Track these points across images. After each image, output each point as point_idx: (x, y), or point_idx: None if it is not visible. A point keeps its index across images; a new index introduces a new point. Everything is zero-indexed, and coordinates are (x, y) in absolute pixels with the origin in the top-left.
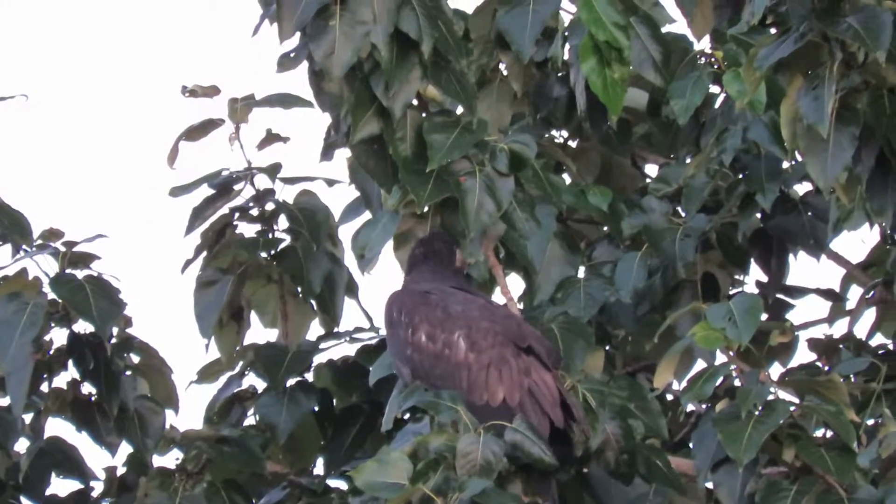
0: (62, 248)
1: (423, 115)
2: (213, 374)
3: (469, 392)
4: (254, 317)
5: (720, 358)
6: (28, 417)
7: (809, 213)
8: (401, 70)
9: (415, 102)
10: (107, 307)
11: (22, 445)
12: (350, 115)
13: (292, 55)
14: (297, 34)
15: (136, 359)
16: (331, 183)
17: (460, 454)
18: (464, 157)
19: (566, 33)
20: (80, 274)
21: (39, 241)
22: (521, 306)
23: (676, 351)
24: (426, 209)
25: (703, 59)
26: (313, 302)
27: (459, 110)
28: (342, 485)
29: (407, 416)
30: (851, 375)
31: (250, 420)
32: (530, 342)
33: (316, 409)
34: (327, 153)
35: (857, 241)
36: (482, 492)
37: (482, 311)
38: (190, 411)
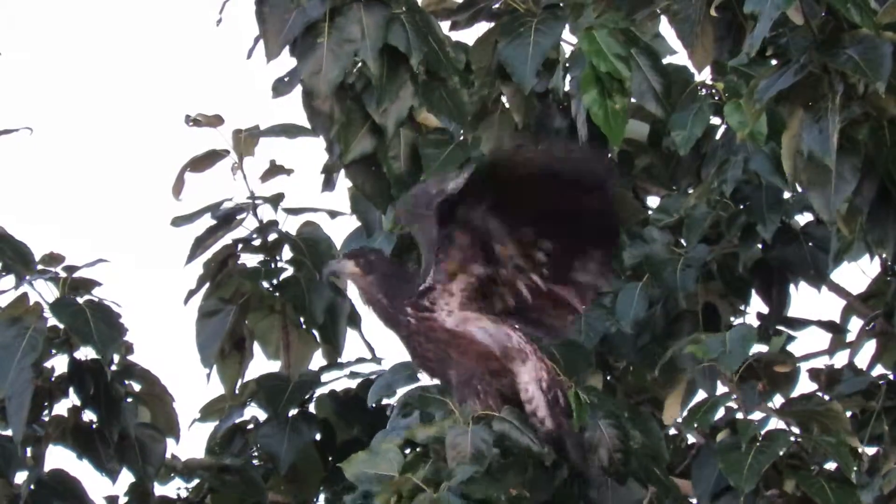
0: (63, 274)
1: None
2: (216, 412)
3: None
4: (257, 348)
5: (721, 389)
6: (28, 449)
7: (810, 244)
8: (392, 85)
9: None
10: (107, 331)
11: (22, 476)
12: (341, 135)
13: (286, 79)
14: (292, 59)
15: (137, 387)
16: (333, 214)
17: (450, 445)
18: None
19: (567, 64)
20: (80, 299)
21: (40, 267)
22: None
23: (681, 385)
24: None
25: (704, 90)
26: (316, 332)
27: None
28: None
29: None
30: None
31: (252, 451)
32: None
33: (318, 439)
34: (328, 182)
35: (858, 273)
36: (470, 478)
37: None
38: (191, 441)
